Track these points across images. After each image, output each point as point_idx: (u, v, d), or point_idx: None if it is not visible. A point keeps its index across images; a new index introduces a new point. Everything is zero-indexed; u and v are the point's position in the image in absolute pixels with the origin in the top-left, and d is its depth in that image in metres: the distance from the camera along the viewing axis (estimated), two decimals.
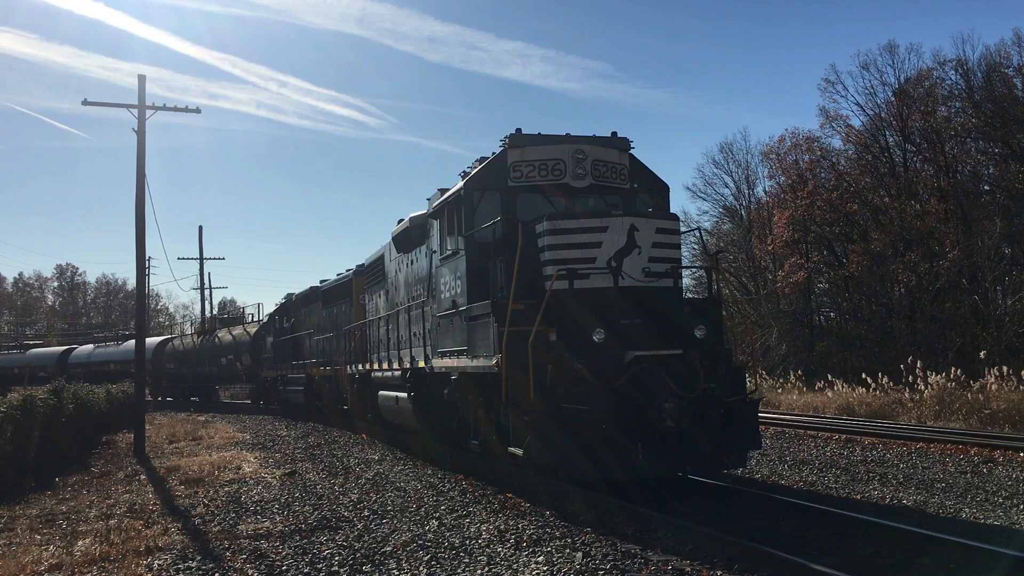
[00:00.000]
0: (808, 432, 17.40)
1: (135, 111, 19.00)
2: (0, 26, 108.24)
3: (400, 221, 15.59)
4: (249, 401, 37.95)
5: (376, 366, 17.13)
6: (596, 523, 8.49)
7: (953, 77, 35.37)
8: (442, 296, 12.48)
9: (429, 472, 12.73)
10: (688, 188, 47.95)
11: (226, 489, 12.07)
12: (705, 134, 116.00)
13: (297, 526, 9.17)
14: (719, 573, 6.66)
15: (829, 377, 25.75)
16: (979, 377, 20.09)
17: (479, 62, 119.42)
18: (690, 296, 20.88)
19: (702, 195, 46.64)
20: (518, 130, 11.51)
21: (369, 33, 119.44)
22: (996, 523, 8.59)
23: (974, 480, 11.12)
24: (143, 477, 14.35)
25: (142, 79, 19.21)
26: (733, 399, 9.83)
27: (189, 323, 67.57)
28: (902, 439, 15.38)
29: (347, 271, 22.20)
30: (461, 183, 11.67)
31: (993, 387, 19.21)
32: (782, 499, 9.40)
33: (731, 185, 45.81)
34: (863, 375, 23.44)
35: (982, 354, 21.62)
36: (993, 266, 29.91)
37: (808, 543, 7.59)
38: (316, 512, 9.88)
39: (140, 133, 19.02)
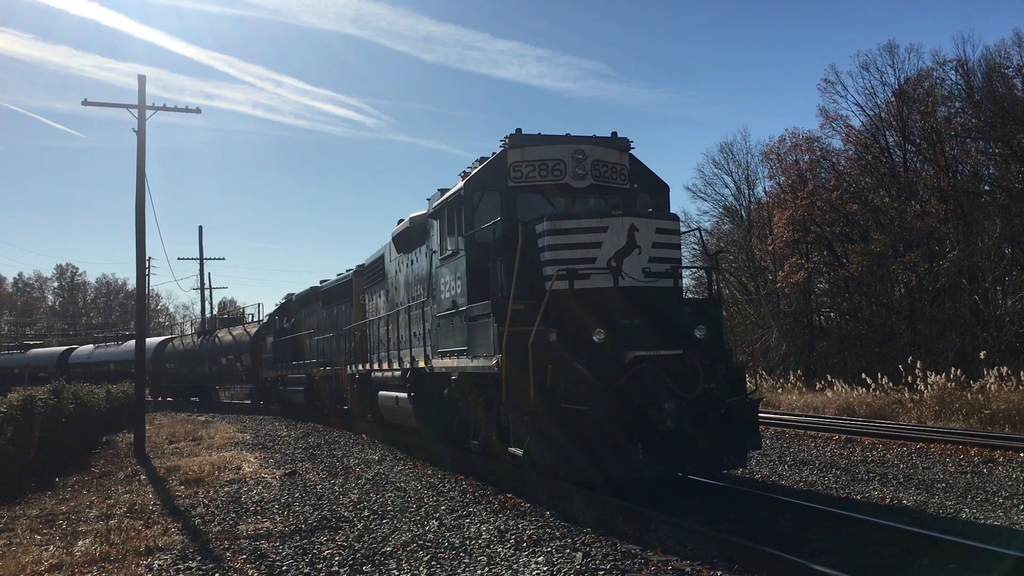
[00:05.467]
0: (808, 432, 17.39)
1: (135, 111, 19.00)
2: None
3: (400, 221, 15.59)
4: (249, 401, 37.94)
5: (376, 366, 17.13)
6: (596, 523, 8.48)
7: (953, 77, 35.41)
8: (442, 296, 12.48)
9: (429, 472, 12.73)
10: (688, 188, 48.00)
11: (226, 489, 12.07)
12: (705, 134, 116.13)
13: (297, 526, 9.17)
14: (719, 573, 6.66)
15: (829, 377, 25.71)
16: (979, 377, 20.07)
17: (475, 62, 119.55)
18: (690, 296, 20.90)
19: (702, 195, 46.68)
20: (518, 130, 11.50)
21: (365, 33, 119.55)
22: (996, 523, 8.59)
23: (974, 480, 11.12)
24: (143, 477, 14.35)
25: (142, 79, 19.21)
26: (733, 399, 9.82)
27: (189, 323, 67.64)
28: (902, 439, 15.38)
29: (347, 271, 22.21)
30: (461, 183, 11.67)
31: (993, 387, 19.19)
32: (782, 499, 9.40)
33: (731, 185, 45.83)
34: (863, 375, 23.42)
35: (982, 354, 21.59)
36: (993, 266, 29.90)
37: (808, 543, 7.59)
38: (316, 512, 9.88)
39: (140, 133, 19.02)
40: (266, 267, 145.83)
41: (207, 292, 50.89)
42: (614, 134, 11.96)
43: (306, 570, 7.28)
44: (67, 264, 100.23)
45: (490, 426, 11.09)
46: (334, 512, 9.82)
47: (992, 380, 19.38)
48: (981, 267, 29.82)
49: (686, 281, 28.15)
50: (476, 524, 8.74)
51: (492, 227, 10.69)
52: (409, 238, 14.81)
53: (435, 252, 12.91)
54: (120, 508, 11.14)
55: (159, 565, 7.77)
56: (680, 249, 11.32)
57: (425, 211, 13.70)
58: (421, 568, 7.16)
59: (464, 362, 11.25)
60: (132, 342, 29.04)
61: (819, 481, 11.37)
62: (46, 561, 8.25)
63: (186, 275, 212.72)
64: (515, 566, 7.08)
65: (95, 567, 7.92)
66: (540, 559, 7.22)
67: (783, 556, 6.65)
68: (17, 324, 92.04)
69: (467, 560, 7.34)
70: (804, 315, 38.35)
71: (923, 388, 20.44)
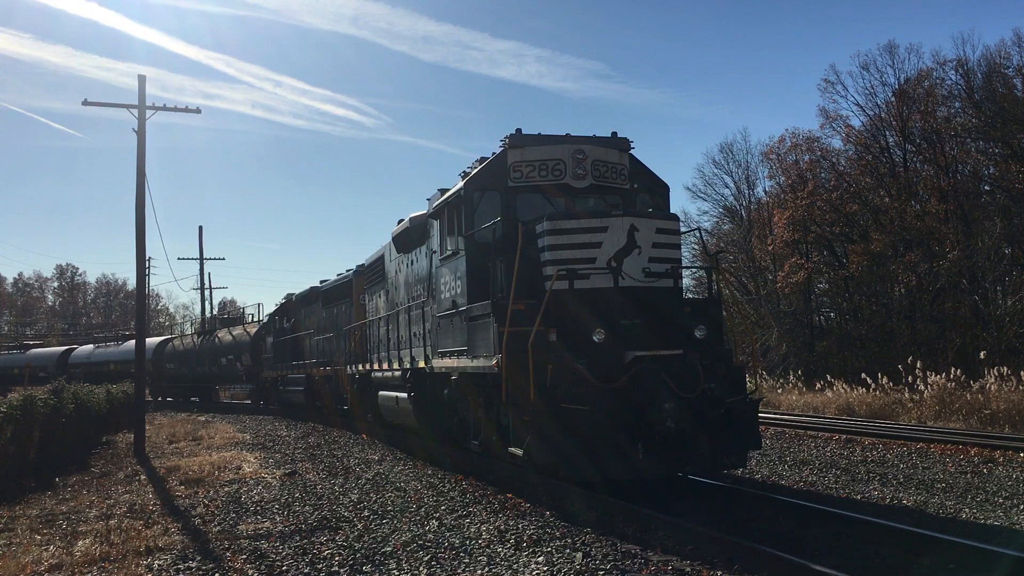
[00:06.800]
0: (808, 432, 17.39)
1: (135, 111, 18.99)
2: None
3: (400, 221, 15.59)
4: (249, 401, 37.95)
5: (376, 366, 17.13)
6: (596, 523, 8.48)
7: (953, 77, 35.43)
8: (442, 296, 12.48)
9: (429, 472, 12.73)
10: (688, 188, 48.10)
11: (226, 489, 12.07)
12: (705, 134, 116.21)
13: (297, 526, 9.17)
14: (719, 573, 6.66)
15: (829, 377, 25.72)
16: (979, 377, 20.07)
17: (474, 62, 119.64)
18: (690, 296, 20.88)
19: (702, 195, 46.76)
20: (518, 130, 11.51)
21: (364, 33, 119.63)
22: (996, 523, 8.59)
23: (974, 480, 11.12)
24: (143, 477, 14.34)
25: (142, 79, 19.20)
26: (733, 399, 9.82)
27: (189, 323, 67.60)
28: (902, 439, 15.38)
29: (347, 271, 22.20)
30: (461, 183, 11.68)
31: (993, 387, 19.19)
32: (782, 499, 9.41)
33: (731, 185, 45.91)
34: (863, 375, 23.43)
35: (982, 354, 21.61)
36: (993, 266, 29.91)
37: (808, 543, 7.59)
38: (316, 512, 9.87)
39: (140, 133, 19.01)
40: (266, 267, 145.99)
41: (207, 292, 50.95)
42: (614, 134, 11.96)
43: (306, 570, 7.28)
44: (67, 264, 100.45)
45: (490, 426, 11.09)
46: (334, 512, 9.81)
47: (992, 380, 19.37)
48: (981, 267, 29.83)
49: (686, 281, 28.15)
50: (476, 524, 8.74)
51: (492, 227, 10.69)
52: (409, 238, 14.81)
53: (435, 252, 12.91)
54: (120, 508, 11.13)
55: (159, 565, 7.77)
56: (680, 249, 11.32)
57: (425, 211, 13.70)
58: (421, 568, 7.16)
59: (464, 362, 11.25)
60: (132, 342, 29.03)
61: (819, 481, 11.37)
62: (46, 561, 8.24)
63: (186, 275, 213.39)
64: (515, 566, 7.08)
65: (95, 567, 7.92)
66: (540, 559, 7.22)
67: (783, 556, 6.66)
68: (17, 324, 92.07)
69: (467, 560, 7.34)
70: (804, 315, 38.33)
71: (923, 388, 20.44)
